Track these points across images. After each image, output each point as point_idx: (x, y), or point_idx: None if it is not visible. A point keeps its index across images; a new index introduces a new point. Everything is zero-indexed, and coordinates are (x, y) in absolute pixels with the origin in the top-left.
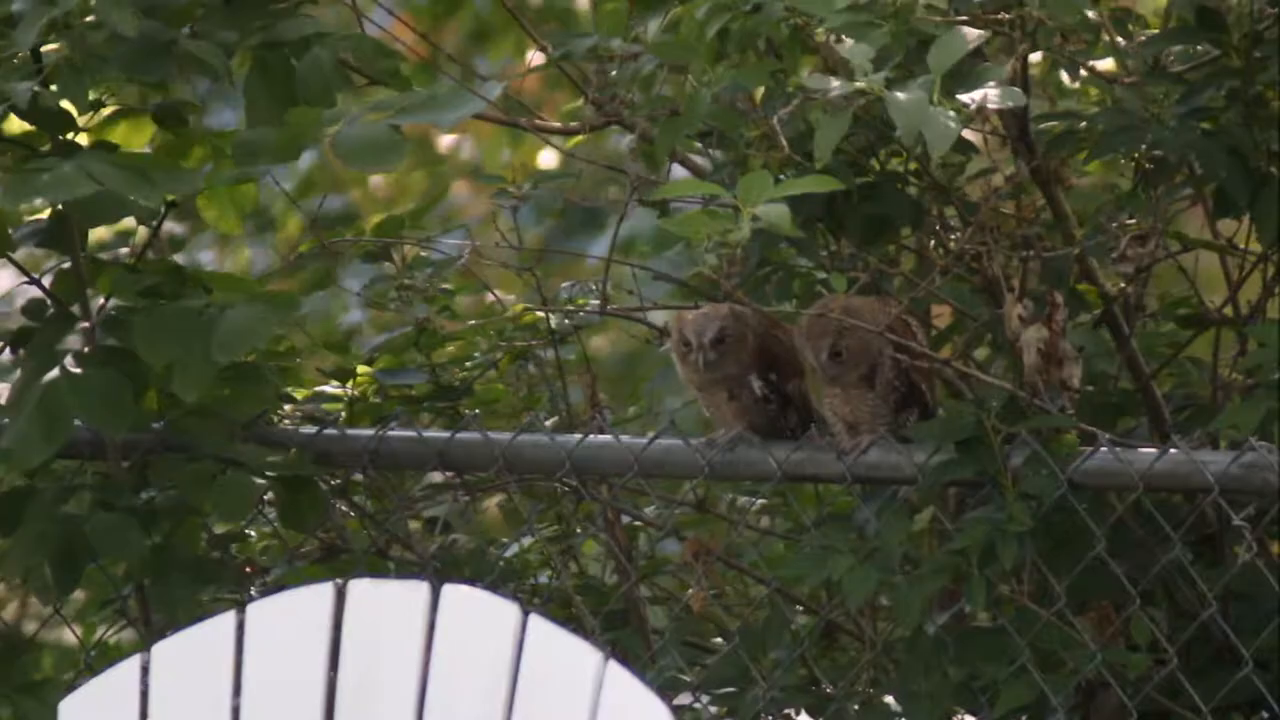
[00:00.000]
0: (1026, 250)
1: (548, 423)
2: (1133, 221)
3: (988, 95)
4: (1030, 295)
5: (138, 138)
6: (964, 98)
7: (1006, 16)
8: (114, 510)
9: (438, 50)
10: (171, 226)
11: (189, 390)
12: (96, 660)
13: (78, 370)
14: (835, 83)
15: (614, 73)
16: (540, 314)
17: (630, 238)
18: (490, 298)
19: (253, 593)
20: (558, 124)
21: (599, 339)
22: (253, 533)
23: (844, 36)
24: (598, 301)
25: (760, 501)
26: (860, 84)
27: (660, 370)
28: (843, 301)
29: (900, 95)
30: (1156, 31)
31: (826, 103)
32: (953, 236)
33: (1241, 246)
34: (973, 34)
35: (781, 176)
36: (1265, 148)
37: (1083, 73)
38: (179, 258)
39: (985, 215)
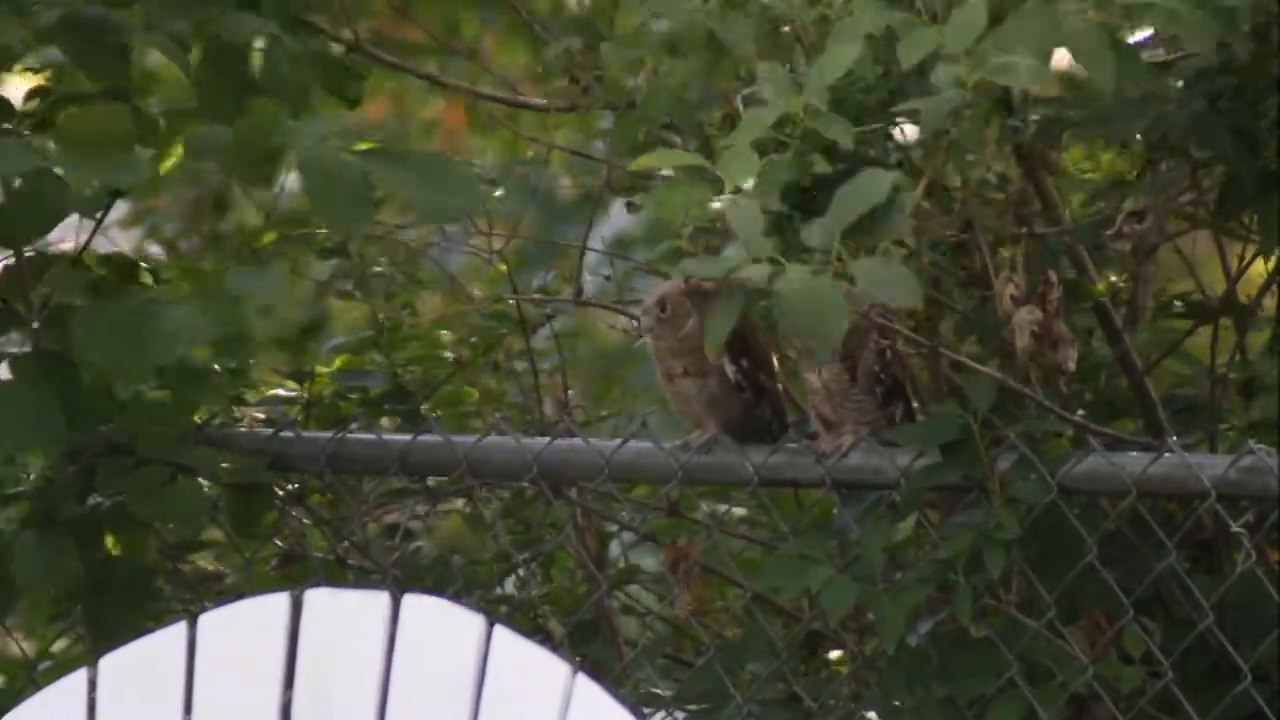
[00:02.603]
0: (1021, 228)
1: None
2: (1128, 202)
3: (884, 286)
4: (1024, 275)
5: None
6: (856, 284)
7: (915, 141)
8: (54, 522)
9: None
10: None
11: (124, 387)
12: (44, 674)
13: (9, 380)
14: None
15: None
16: (510, 304)
17: (622, 234)
18: (460, 294)
19: (204, 603)
20: (539, 102)
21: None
22: (205, 539)
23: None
24: (573, 291)
25: (740, 511)
26: (745, 272)
27: (639, 369)
28: None
29: (786, 284)
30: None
31: (713, 288)
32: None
33: (1248, 229)
34: (887, 179)
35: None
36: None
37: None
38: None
39: (970, 206)
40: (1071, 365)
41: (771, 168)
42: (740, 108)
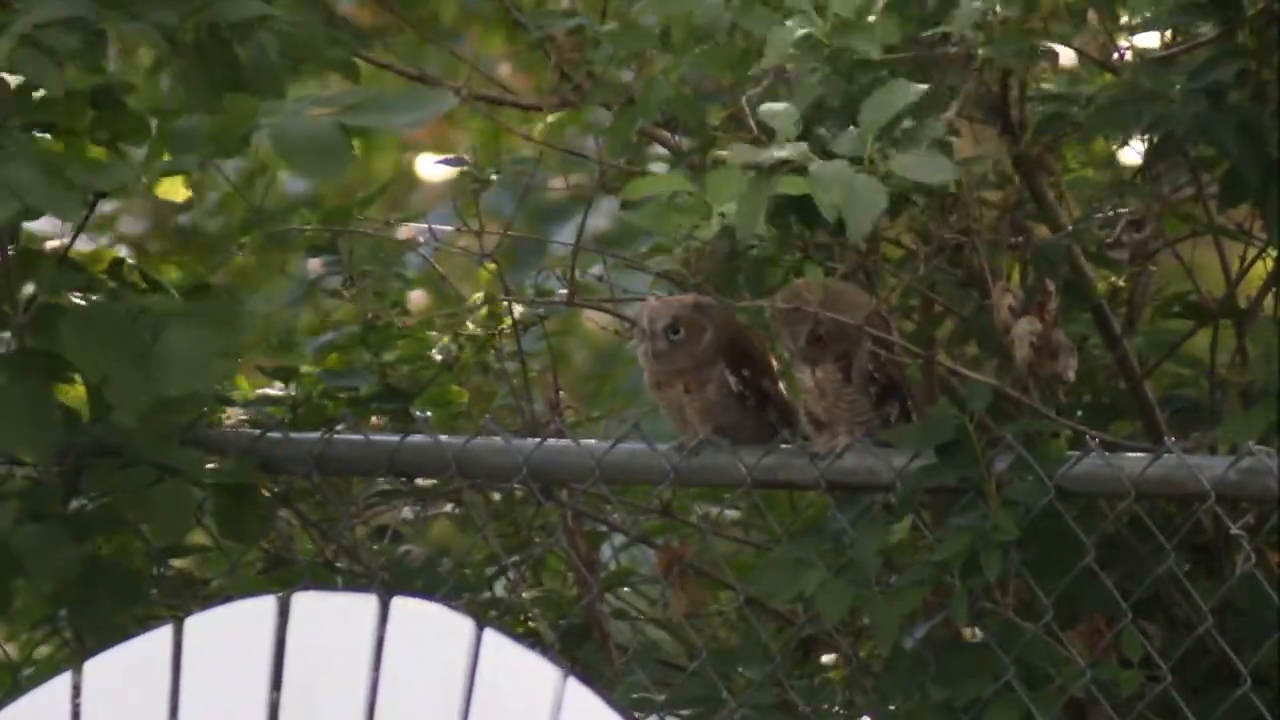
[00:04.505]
0: (1018, 235)
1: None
2: (1126, 211)
3: (919, 170)
4: (1021, 285)
5: (76, 120)
6: (894, 165)
7: (950, 52)
8: (43, 520)
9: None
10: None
11: (128, 414)
12: (29, 679)
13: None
14: (756, 151)
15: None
16: (502, 305)
17: (615, 231)
18: (449, 292)
19: (191, 607)
20: (530, 100)
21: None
22: (191, 542)
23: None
24: (564, 291)
25: (733, 513)
26: (783, 154)
27: (633, 370)
28: (823, 282)
29: (821, 167)
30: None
31: (747, 172)
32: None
33: (1248, 234)
34: (914, 88)
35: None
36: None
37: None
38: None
39: (968, 205)
40: (1071, 375)
41: (802, 87)
42: (745, 107)
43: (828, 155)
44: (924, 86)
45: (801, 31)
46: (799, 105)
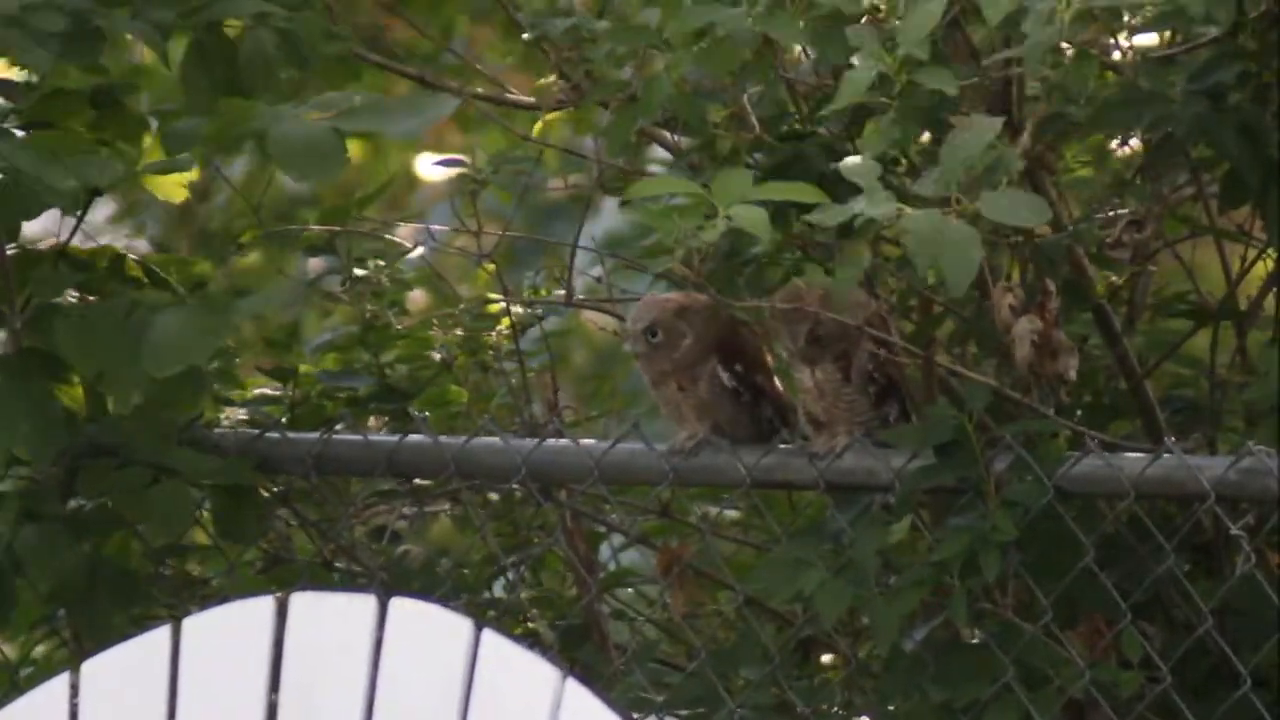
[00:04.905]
0: (1018, 235)
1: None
2: (1126, 212)
3: (1012, 211)
4: (1022, 285)
5: (75, 119)
6: (987, 214)
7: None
8: (41, 520)
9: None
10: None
11: (123, 401)
12: (27, 679)
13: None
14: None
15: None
16: (500, 305)
17: (617, 233)
18: (448, 292)
19: (189, 607)
20: (529, 100)
21: (567, 336)
22: (190, 543)
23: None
24: (563, 292)
25: (732, 513)
26: (872, 212)
27: (632, 370)
28: (822, 281)
29: (914, 219)
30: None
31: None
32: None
33: (1248, 235)
34: (995, 123)
35: (752, 159)
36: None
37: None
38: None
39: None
40: (1072, 374)
41: (879, 131)
42: (748, 106)
43: (902, 199)
44: (1001, 120)
45: (874, 71)
46: (871, 148)
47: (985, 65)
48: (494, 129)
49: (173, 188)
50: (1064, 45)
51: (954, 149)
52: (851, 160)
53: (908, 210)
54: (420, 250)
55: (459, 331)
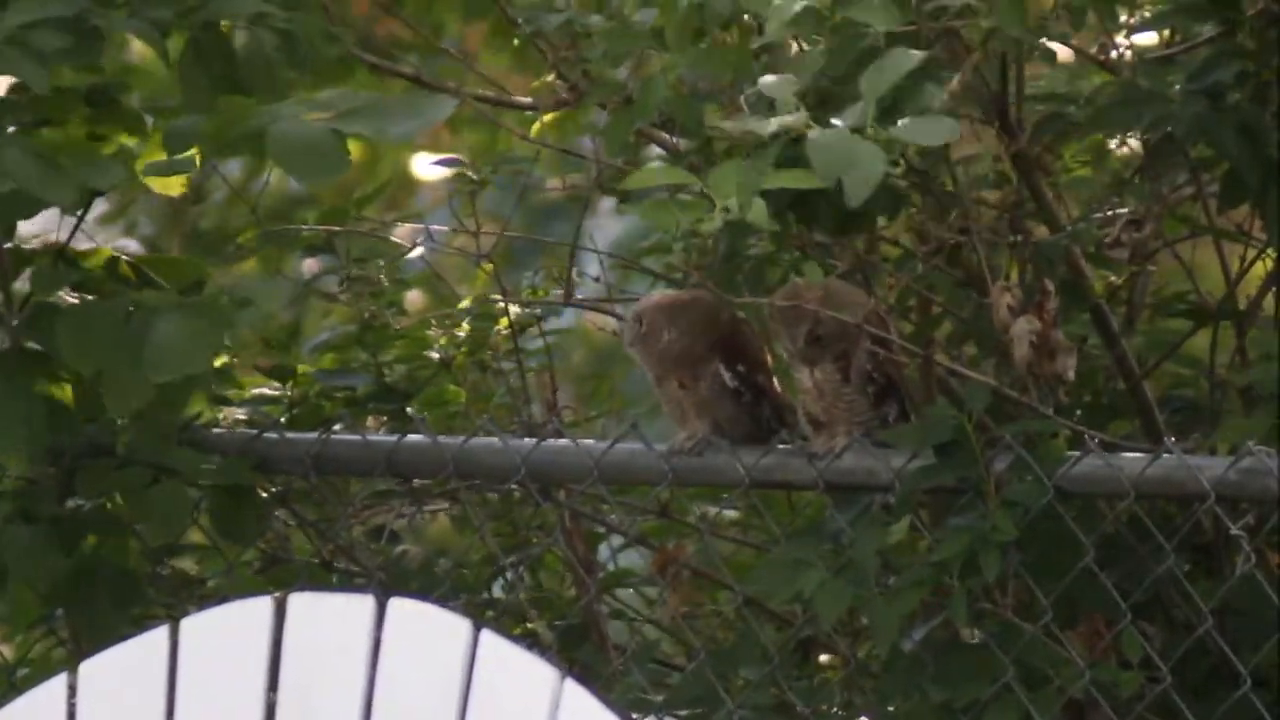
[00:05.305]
0: (1016, 235)
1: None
2: (1125, 212)
3: (924, 133)
4: (1020, 284)
5: (71, 119)
6: (895, 132)
7: (955, 25)
8: (37, 521)
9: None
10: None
11: (123, 407)
12: (25, 679)
13: None
14: (755, 120)
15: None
16: (499, 306)
17: (621, 235)
18: (446, 292)
19: (187, 607)
20: (526, 100)
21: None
22: (188, 543)
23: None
24: (561, 291)
25: (732, 514)
26: (785, 120)
27: (632, 370)
28: (821, 281)
29: (821, 134)
30: (1150, 13)
31: (747, 143)
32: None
33: (1248, 234)
34: (915, 55)
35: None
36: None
37: (1070, 55)
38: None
39: (966, 205)
40: (1071, 374)
41: (804, 60)
42: (744, 106)
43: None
44: (923, 53)
45: (801, 4)
46: (800, 79)
47: (924, 9)
48: (484, 129)
49: (170, 182)
50: (1061, 48)
51: (873, 77)
52: (769, 77)
53: (815, 128)
54: (419, 250)
55: (458, 331)
